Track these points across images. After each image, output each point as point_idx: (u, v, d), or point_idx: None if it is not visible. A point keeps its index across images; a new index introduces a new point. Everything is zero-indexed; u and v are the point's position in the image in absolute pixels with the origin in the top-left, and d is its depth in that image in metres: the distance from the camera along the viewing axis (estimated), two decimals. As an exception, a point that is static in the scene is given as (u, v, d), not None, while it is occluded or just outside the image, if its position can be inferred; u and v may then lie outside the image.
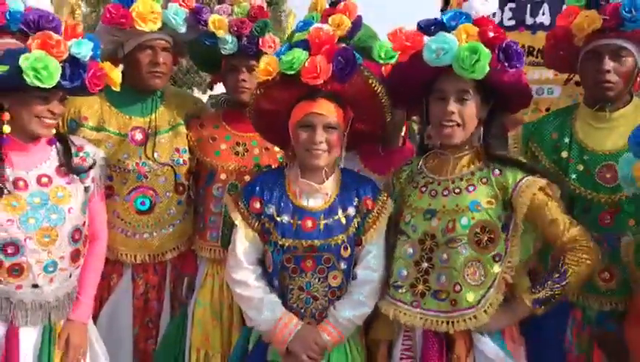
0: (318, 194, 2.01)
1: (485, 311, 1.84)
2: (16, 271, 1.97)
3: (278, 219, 2.01)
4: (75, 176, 2.09)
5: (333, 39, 1.99)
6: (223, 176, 2.53)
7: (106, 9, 2.34)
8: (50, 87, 1.87)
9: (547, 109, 2.73)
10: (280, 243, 1.98)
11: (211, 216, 2.53)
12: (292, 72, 1.92)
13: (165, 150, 2.54)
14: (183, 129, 2.61)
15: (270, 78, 1.96)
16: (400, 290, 1.95)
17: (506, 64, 1.83)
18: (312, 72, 1.90)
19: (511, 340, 2.05)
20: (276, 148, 2.51)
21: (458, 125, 1.91)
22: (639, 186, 1.74)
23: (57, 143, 2.10)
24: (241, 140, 2.58)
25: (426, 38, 1.91)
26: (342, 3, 2.57)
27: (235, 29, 2.44)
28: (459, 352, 1.86)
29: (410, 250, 1.96)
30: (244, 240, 2.05)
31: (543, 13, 3.01)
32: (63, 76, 1.89)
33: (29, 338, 2.04)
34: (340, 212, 2.01)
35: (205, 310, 2.53)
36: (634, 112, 2.15)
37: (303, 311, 1.99)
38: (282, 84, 1.97)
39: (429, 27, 1.92)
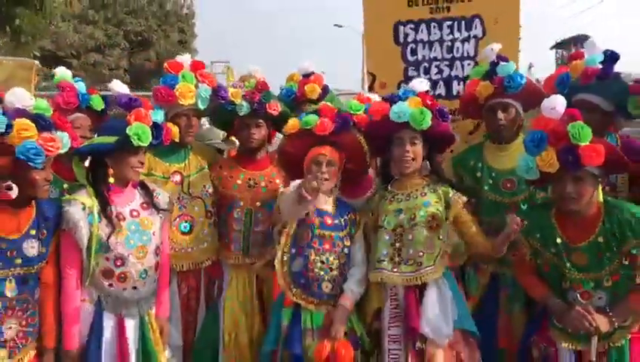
0: (327, 204, 3.03)
1: (439, 269, 2.89)
2: (122, 278, 2.78)
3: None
4: (154, 210, 2.95)
5: (334, 110, 3.04)
6: (241, 203, 3.42)
7: (157, 90, 3.25)
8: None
9: (451, 151, 3.55)
10: (315, 230, 2.95)
11: (234, 233, 3.42)
12: (308, 128, 2.97)
13: (197, 187, 3.42)
14: (207, 171, 3.49)
15: (294, 131, 3.02)
16: (383, 263, 2.94)
17: (441, 119, 2.95)
18: (322, 127, 2.95)
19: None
20: (277, 181, 3.45)
21: (412, 160, 2.96)
22: (537, 173, 2.67)
23: (139, 187, 2.95)
24: (252, 176, 3.47)
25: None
26: (312, 76, 3.66)
27: (248, 97, 3.39)
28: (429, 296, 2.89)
29: (387, 237, 2.97)
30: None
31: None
32: (151, 137, 2.78)
33: (130, 326, 2.83)
34: (340, 218, 3.02)
35: (233, 303, 3.40)
36: (521, 143, 3.18)
37: (321, 277, 2.94)
38: (301, 135, 3.01)
39: (392, 98, 3.00)
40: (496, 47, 3.41)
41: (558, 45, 49.34)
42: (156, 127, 2.81)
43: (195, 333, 3.48)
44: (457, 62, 4.11)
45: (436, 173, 3.06)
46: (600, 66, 3.22)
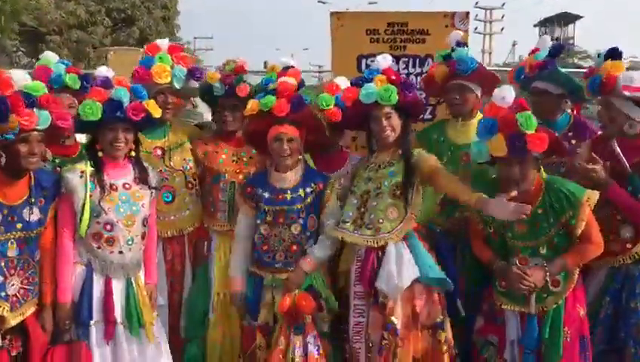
0: (286, 180, 3.30)
1: (397, 235, 3.14)
2: (110, 241, 3.02)
3: (264, 194, 3.29)
4: (145, 185, 3.17)
5: (292, 87, 3.30)
6: (226, 176, 3.70)
7: (135, 70, 3.52)
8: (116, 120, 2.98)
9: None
10: (264, 208, 3.27)
11: (220, 203, 3.69)
12: (267, 109, 3.21)
13: (177, 160, 3.69)
14: (187, 145, 3.76)
15: (254, 112, 3.27)
16: (346, 224, 3.20)
17: (407, 91, 3.19)
18: (279, 109, 3.19)
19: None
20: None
21: (391, 131, 3.19)
22: (488, 156, 2.99)
23: (133, 163, 3.18)
24: (235, 152, 3.73)
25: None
26: (290, 69, 3.85)
27: (223, 79, 3.65)
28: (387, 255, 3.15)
29: (355, 201, 3.23)
30: (242, 216, 3.35)
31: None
32: (104, 112, 2.95)
33: (117, 287, 3.08)
34: (300, 190, 3.28)
35: (221, 267, 3.67)
36: (477, 122, 3.41)
37: (276, 247, 3.25)
38: (261, 115, 3.26)
39: (358, 82, 3.28)
40: (460, 34, 3.74)
41: (542, 23, 49.72)
42: (111, 103, 2.99)
43: (181, 295, 3.78)
44: None
45: (404, 145, 3.25)
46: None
